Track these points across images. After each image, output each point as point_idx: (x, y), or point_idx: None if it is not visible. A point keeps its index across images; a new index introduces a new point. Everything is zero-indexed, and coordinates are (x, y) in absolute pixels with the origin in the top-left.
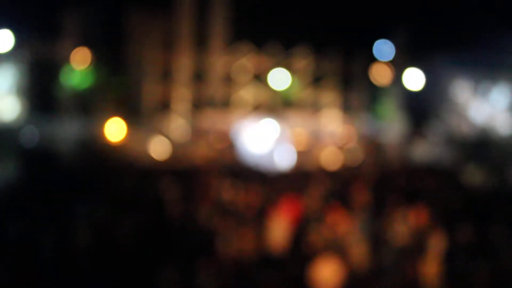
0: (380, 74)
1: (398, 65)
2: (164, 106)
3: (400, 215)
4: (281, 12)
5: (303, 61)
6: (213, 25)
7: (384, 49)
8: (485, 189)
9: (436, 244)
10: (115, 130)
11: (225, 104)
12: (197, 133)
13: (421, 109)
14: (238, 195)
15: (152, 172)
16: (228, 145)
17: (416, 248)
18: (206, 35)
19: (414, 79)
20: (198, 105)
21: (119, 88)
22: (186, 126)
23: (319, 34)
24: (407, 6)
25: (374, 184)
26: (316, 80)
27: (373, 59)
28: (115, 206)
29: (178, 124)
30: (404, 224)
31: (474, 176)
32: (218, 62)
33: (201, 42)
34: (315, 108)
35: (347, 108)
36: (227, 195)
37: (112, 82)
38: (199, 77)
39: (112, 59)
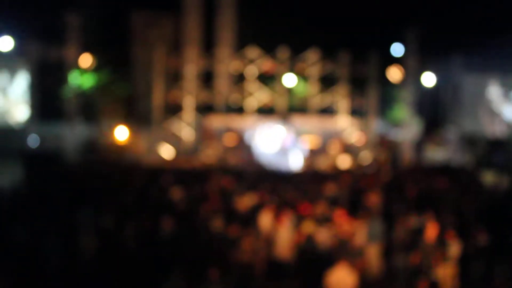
0: (393, 76)
1: (411, 67)
2: (172, 111)
3: (415, 219)
4: (290, 15)
5: (312, 65)
6: (221, 29)
7: (397, 50)
8: (503, 192)
9: (453, 248)
10: (122, 134)
11: (235, 107)
12: (205, 136)
13: (435, 112)
14: (247, 198)
15: (162, 175)
16: (237, 147)
17: (432, 252)
18: (214, 39)
19: (429, 80)
20: (206, 109)
21: (125, 93)
22: (194, 129)
23: (329, 37)
24: (422, 3)
25: (388, 187)
26: (326, 84)
27: (386, 62)
28: (121, 212)
29: (186, 127)
30: (419, 229)
31: (491, 178)
32: (226, 66)
33: (209, 47)
34: (326, 111)
35: (358, 111)
36: (236, 198)
37: (117, 86)
38: (207, 81)
39: (118, 62)
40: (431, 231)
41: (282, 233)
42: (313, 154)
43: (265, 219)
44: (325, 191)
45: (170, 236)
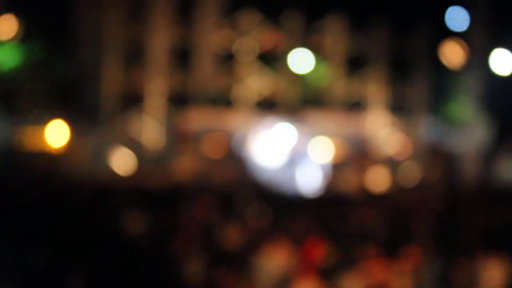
0: (451, 57)
1: (478, 44)
2: (132, 101)
3: (480, 261)
4: None
5: (335, 39)
6: None
7: (457, 20)
8: None
9: None
10: (57, 134)
11: (221, 98)
12: (179, 138)
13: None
14: (236, 231)
15: (113, 196)
16: (225, 156)
17: None
18: (193, 0)
19: (503, 63)
20: (181, 99)
21: (63, 74)
22: (164, 129)
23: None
24: None
25: (442, 217)
26: (355, 66)
27: (440, 36)
28: (54, 250)
29: (151, 126)
30: (484, 272)
31: None
32: (210, 39)
33: (185, 11)
34: (353, 105)
35: (400, 106)
36: (221, 230)
37: (53, 64)
38: (182, 60)
39: (53, 31)
40: (503, 278)
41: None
42: (334, 167)
43: (262, 261)
44: (350, 222)
45: (126, 285)
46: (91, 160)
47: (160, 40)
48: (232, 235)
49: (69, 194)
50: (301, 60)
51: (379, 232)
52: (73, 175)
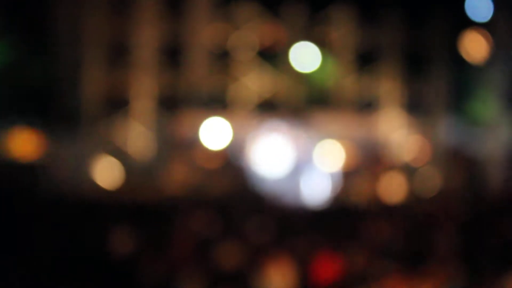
0: (473, 50)
1: (503, 35)
2: (116, 105)
3: (508, 277)
4: None
5: (343, 31)
6: None
7: (479, 7)
8: None
9: None
10: (33, 143)
11: (216, 99)
12: (170, 146)
13: None
14: (236, 248)
15: (98, 211)
16: (222, 165)
17: None
18: None
19: None
20: (172, 102)
21: (40, 76)
22: (153, 135)
23: None
24: None
25: (465, 227)
26: (365, 61)
27: (461, 26)
28: (37, 270)
29: (139, 132)
30: None
31: None
32: (203, 34)
33: (175, 3)
34: (364, 106)
35: (416, 105)
36: (219, 247)
37: (28, 65)
38: (172, 58)
39: (28, 28)
40: None
41: None
42: (344, 175)
43: (264, 281)
44: (364, 237)
45: None
46: (72, 171)
47: (147, 36)
48: (230, 253)
49: (48, 210)
50: (305, 56)
51: (396, 247)
52: (51, 188)
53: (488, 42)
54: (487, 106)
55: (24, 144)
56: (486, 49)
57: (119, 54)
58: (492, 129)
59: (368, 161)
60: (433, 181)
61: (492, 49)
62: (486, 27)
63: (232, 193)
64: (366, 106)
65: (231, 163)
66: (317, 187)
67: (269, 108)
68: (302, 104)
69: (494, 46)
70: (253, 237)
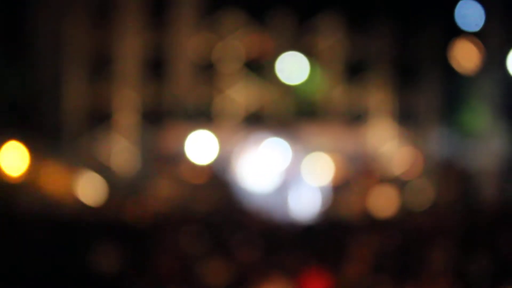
0: (463, 58)
1: (492, 44)
2: (98, 118)
3: None
4: None
5: (331, 41)
6: None
7: (469, 16)
8: None
9: None
10: (12, 159)
11: (202, 112)
12: (154, 160)
13: None
14: (223, 265)
15: (80, 229)
16: (209, 180)
17: None
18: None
19: None
20: (156, 115)
21: (18, 88)
22: (136, 149)
23: None
24: None
25: (458, 242)
26: (354, 71)
27: (450, 35)
28: None
29: (122, 146)
30: None
31: None
32: (187, 44)
33: (158, 13)
34: (353, 117)
35: (407, 116)
36: (205, 265)
37: (5, 77)
38: (156, 69)
39: (5, 38)
40: None
41: None
42: (334, 189)
43: None
44: (354, 254)
45: None
46: (54, 186)
47: (130, 47)
48: (218, 269)
49: (30, 228)
50: (292, 66)
51: (387, 262)
52: (32, 205)
53: (480, 52)
54: (479, 116)
55: (7, 159)
56: (477, 59)
57: (101, 66)
58: (485, 140)
59: (358, 174)
60: (425, 194)
61: (484, 58)
62: (477, 37)
63: (219, 208)
64: (356, 117)
65: (217, 177)
66: (305, 201)
67: (256, 120)
68: (289, 116)
69: (485, 56)
70: (240, 253)
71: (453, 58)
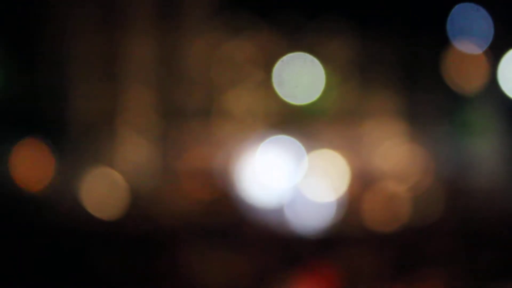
0: (464, 69)
1: (498, 51)
2: (106, 122)
3: None
4: None
5: (334, 41)
6: None
7: (472, 22)
8: None
9: None
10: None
11: (210, 114)
12: (169, 168)
13: None
14: (235, 279)
15: (86, 240)
16: (218, 192)
17: None
18: (176, 1)
19: None
20: (170, 116)
21: (25, 91)
22: (146, 154)
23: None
24: None
25: (461, 253)
26: (360, 72)
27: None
28: None
29: (132, 151)
30: None
31: None
32: (195, 45)
33: (167, 14)
34: (359, 119)
35: (413, 118)
36: (216, 280)
37: (12, 80)
38: (165, 72)
39: (12, 41)
40: None
41: None
42: (342, 199)
43: None
44: (358, 264)
45: None
46: (58, 194)
47: (137, 50)
48: (228, 284)
49: (29, 238)
50: (297, 66)
51: (394, 274)
52: (35, 213)
53: (484, 62)
54: (482, 121)
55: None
56: (480, 70)
57: (109, 67)
58: (488, 145)
59: (362, 182)
60: (432, 203)
61: (487, 68)
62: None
63: (229, 221)
64: (362, 120)
65: (228, 189)
66: (308, 213)
67: (263, 120)
68: (299, 118)
69: (488, 65)
70: (249, 266)
71: (451, 71)
